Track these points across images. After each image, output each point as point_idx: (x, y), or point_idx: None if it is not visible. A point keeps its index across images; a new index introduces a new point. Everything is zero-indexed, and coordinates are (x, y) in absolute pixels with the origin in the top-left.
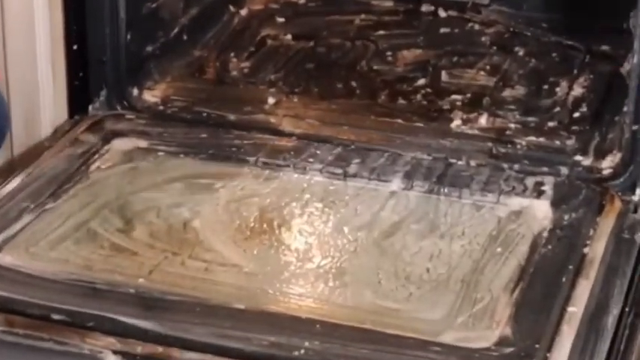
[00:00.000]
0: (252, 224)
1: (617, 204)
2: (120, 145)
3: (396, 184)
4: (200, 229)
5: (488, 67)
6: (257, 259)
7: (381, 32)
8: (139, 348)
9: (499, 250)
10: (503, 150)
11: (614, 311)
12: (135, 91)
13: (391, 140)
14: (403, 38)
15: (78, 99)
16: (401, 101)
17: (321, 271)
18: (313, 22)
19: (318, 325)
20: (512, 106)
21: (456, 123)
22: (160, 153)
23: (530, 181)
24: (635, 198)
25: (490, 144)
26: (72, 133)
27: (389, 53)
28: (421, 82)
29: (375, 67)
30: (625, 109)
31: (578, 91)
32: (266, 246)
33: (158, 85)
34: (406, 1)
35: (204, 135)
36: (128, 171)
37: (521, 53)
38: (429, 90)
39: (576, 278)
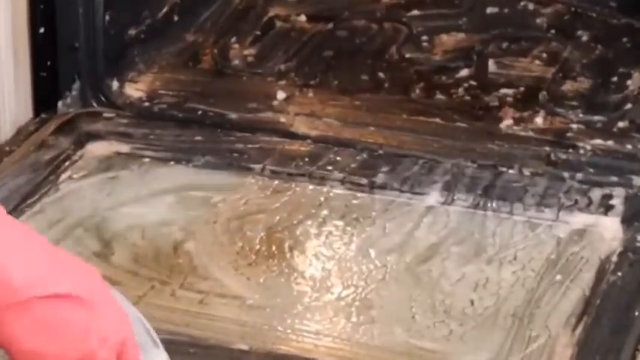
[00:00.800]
0: (257, 247)
1: None
2: (96, 149)
3: (433, 197)
4: (194, 253)
5: (545, 55)
6: (264, 290)
7: (415, 12)
8: None
9: (558, 277)
10: (563, 156)
11: None
12: (114, 84)
13: (427, 144)
14: (442, 20)
15: (45, 94)
16: (439, 96)
17: (343, 303)
18: (332, 0)
19: None
20: (575, 103)
21: (506, 123)
22: (146, 159)
23: (596, 194)
24: None
25: (548, 148)
26: (38, 136)
27: (424, 38)
28: (464, 73)
29: (407, 55)
30: None
31: None
32: (275, 273)
33: (143, 77)
34: None
35: (199, 137)
36: (106, 181)
37: (584, 38)
38: (473, 83)
39: None
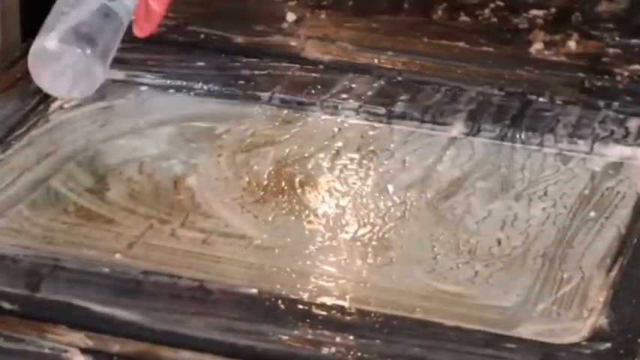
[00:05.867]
0: (265, 182)
1: None
2: None
3: (457, 128)
4: (196, 189)
5: None
6: (272, 229)
7: None
8: (116, 346)
9: (592, 214)
10: (598, 83)
11: None
12: None
13: (450, 70)
14: None
15: (33, 14)
16: (463, 18)
17: (358, 243)
18: None
19: (353, 315)
20: (611, 25)
21: (536, 47)
22: (143, 87)
23: (634, 124)
24: None
25: (581, 74)
26: (25, 61)
27: None
28: None
29: None
30: None
31: None
32: (284, 211)
33: None
34: None
35: (201, 63)
36: (100, 111)
37: None
38: (500, 3)
39: None
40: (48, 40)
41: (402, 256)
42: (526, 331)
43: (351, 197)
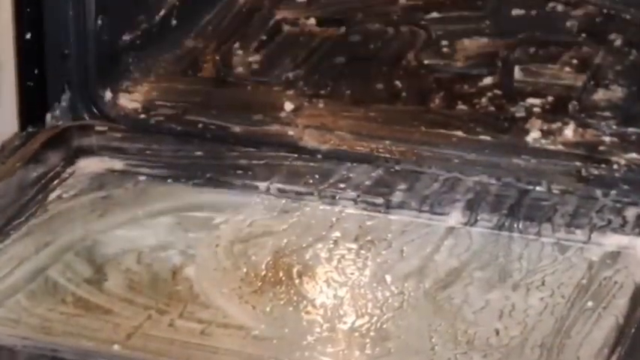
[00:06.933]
0: (263, 272)
1: None
2: (87, 166)
3: (454, 217)
4: (195, 279)
5: (575, 62)
6: (270, 319)
7: (434, 15)
8: None
9: (590, 304)
10: (595, 171)
11: None
12: (108, 94)
13: (448, 159)
14: (463, 23)
15: (32, 105)
16: (460, 107)
17: (356, 334)
18: (344, 2)
19: None
20: (608, 113)
21: (533, 136)
22: (141, 177)
23: (631, 213)
24: None
25: (578, 163)
26: (24, 151)
27: (444, 43)
28: (487, 81)
29: (426, 62)
30: None
31: None
32: (282, 301)
33: (139, 87)
34: None
35: (199, 153)
36: (98, 201)
37: (618, 43)
38: (497, 92)
39: None
40: None
41: (400, 347)
42: None
43: (349, 287)
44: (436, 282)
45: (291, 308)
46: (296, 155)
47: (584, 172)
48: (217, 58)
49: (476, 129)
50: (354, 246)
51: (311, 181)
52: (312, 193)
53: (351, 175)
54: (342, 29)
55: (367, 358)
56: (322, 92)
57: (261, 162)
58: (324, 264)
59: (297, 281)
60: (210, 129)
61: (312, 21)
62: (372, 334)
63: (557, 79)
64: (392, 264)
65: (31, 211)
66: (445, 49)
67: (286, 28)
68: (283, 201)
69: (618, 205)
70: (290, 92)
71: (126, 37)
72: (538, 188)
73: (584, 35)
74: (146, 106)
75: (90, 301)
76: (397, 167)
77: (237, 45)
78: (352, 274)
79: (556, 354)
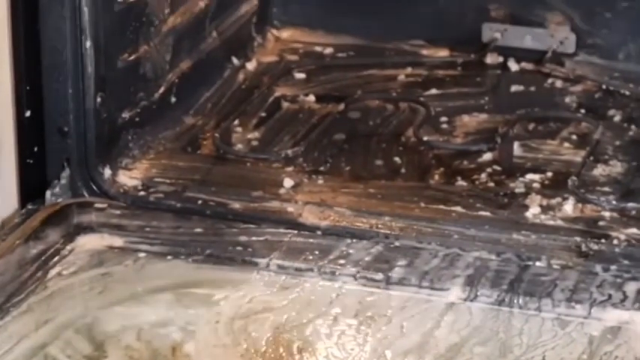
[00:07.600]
0: (263, 348)
1: None
2: (87, 243)
3: (454, 293)
4: (195, 356)
5: (574, 137)
6: None
7: (434, 91)
8: None
9: None
10: (595, 246)
11: None
12: (107, 172)
13: (447, 235)
14: (462, 99)
15: (31, 182)
16: (460, 183)
17: None
18: (343, 79)
19: None
20: (607, 189)
21: (532, 211)
22: (141, 254)
23: (631, 288)
24: None
25: (578, 239)
26: (24, 228)
27: (444, 119)
28: (487, 157)
29: (425, 138)
30: None
31: None
32: None
33: (138, 164)
34: (466, 50)
35: (199, 229)
36: (98, 278)
37: (617, 118)
38: (496, 168)
39: None
40: None
41: None
42: None
43: None
44: (437, 358)
45: None
46: (296, 231)
47: (584, 248)
48: (217, 135)
49: (475, 205)
50: (354, 322)
51: (311, 257)
52: (311, 269)
53: (350, 251)
54: (341, 105)
55: None
56: (322, 168)
57: (261, 238)
58: (324, 340)
59: (297, 357)
60: (210, 205)
61: (312, 97)
62: None
63: (556, 155)
64: (392, 340)
65: (30, 288)
66: (444, 126)
67: (285, 104)
68: (283, 277)
69: (618, 280)
70: (289, 169)
71: (125, 115)
72: (538, 263)
73: (583, 111)
74: (146, 183)
75: None
76: (397, 243)
77: (236, 122)
78: (352, 349)
79: None
